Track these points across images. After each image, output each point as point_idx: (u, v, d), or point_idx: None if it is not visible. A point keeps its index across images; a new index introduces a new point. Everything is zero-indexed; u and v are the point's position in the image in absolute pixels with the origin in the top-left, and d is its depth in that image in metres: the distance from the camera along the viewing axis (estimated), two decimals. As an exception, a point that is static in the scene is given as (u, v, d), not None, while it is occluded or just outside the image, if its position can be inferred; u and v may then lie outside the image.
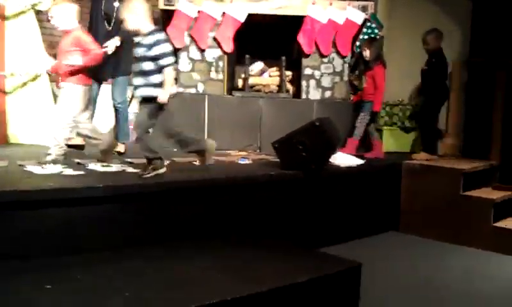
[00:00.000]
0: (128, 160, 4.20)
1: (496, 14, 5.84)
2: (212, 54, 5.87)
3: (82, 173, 3.54)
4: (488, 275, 3.98)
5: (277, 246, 3.47)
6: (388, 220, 5.03)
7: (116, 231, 3.14)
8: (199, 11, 5.75)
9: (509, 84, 5.50)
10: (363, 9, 5.98)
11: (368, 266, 3.26)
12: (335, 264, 3.12)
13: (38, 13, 5.50)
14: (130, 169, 3.78)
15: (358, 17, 5.96)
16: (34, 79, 5.41)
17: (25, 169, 3.58)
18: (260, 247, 3.38)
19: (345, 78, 6.06)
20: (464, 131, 5.94)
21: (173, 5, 5.71)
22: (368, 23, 5.98)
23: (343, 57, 6.02)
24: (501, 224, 4.56)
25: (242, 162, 4.71)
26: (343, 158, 4.82)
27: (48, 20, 5.75)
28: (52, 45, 6.17)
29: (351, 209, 4.67)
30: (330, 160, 4.63)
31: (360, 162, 4.93)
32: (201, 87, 5.89)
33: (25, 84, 5.38)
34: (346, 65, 6.05)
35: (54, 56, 5.89)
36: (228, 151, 5.41)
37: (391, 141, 5.92)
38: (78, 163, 3.94)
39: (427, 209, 4.88)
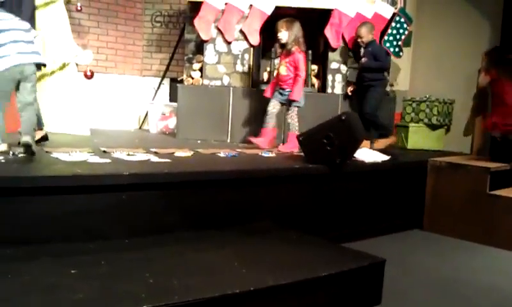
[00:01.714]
0: (153, 149, 4.23)
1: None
2: (239, 46, 5.87)
3: (107, 160, 3.58)
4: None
5: (301, 239, 3.45)
6: (412, 218, 4.96)
7: (140, 219, 3.17)
8: (226, 4, 5.75)
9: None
10: (392, 3, 5.89)
11: (391, 262, 3.22)
12: (359, 259, 3.09)
13: (67, 2, 5.58)
14: (155, 159, 3.80)
15: (387, 11, 5.88)
16: (62, 68, 5.49)
17: (51, 155, 3.64)
18: (283, 239, 3.37)
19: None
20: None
21: (200, -3, 5.73)
22: (397, 18, 5.89)
23: (371, 51, 5.93)
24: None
25: (265, 155, 4.69)
26: (368, 154, 4.76)
27: (77, 10, 5.86)
28: (80, 35, 6.28)
29: (375, 205, 4.62)
30: (355, 155, 4.59)
31: (385, 157, 4.87)
32: (226, 80, 5.90)
33: (53, 72, 5.47)
34: (373, 60, 5.97)
35: (83, 46, 6.00)
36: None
37: (417, 138, 5.84)
38: (104, 151, 3.99)
39: (453, 207, 4.79)
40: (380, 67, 5.42)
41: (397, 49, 5.96)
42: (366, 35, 5.42)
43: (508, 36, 5.81)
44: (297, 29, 4.83)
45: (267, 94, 5.08)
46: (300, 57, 4.83)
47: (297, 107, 4.94)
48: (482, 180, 4.68)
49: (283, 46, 4.89)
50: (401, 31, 5.87)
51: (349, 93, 5.70)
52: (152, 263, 2.69)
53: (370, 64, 5.39)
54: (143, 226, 3.17)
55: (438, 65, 6.04)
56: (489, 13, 5.93)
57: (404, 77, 6.63)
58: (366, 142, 5.03)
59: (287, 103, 4.95)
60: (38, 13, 5.37)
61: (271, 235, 3.44)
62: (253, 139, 4.99)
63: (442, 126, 5.86)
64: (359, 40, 5.48)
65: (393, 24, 5.89)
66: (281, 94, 4.98)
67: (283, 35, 4.82)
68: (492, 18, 5.91)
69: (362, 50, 5.59)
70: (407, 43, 6.19)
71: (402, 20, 5.88)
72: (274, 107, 5.00)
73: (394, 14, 5.89)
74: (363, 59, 5.43)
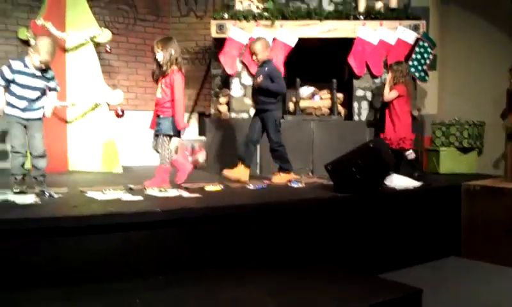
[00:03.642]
0: (185, 185, 4.28)
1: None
2: (263, 78, 5.93)
3: (140, 198, 3.63)
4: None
5: (332, 272, 3.41)
6: (448, 245, 4.84)
7: (174, 256, 3.19)
8: (250, 38, 5.85)
9: None
10: (415, 28, 5.89)
11: (429, 292, 3.15)
12: (394, 290, 3.04)
13: (97, 45, 5.77)
14: (186, 194, 3.84)
15: (410, 37, 5.88)
16: (93, 109, 5.65)
17: (86, 194, 3.72)
18: (315, 273, 3.33)
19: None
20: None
21: (224, 33, 5.84)
22: (421, 43, 5.88)
23: (395, 77, 5.92)
24: None
25: (294, 186, 4.69)
26: (398, 180, 4.70)
27: (107, 52, 6.05)
28: (110, 76, 6.46)
29: (409, 233, 4.53)
30: (385, 182, 4.54)
31: (417, 183, 4.79)
32: (253, 112, 5.95)
33: (84, 113, 5.63)
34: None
35: (113, 86, 6.17)
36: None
37: (448, 162, 5.74)
38: (130, 188, 4.04)
39: (491, 232, 4.65)
40: (279, 90, 4.79)
41: (422, 74, 5.93)
42: (261, 52, 4.74)
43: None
44: (173, 47, 4.24)
45: (151, 126, 4.46)
46: (176, 78, 4.22)
47: (168, 136, 4.28)
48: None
49: (161, 67, 4.29)
50: (425, 55, 5.86)
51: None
52: (185, 301, 2.69)
53: (268, 85, 4.71)
54: (177, 263, 3.19)
55: (466, 87, 5.98)
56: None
57: (432, 100, 6.58)
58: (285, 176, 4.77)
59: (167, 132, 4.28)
60: (68, 55, 5.58)
61: (302, 269, 3.41)
62: (146, 183, 4.21)
63: (474, 149, 5.75)
64: (253, 58, 4.82)
65: (417, 49, 5.88)
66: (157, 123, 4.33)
67: (159, 56, 4.24)
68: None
69: (257, 68, 4.93)
70: (432, 66, 6.17)
71: (426, 44, 5.87)
72: (161, 145, 4.30)
73: (418, 39, 5.88)
74: (259, 79, 4.74)
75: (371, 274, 3.73)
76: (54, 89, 3.91)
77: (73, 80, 5.59)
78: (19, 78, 3.67)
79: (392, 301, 2.88)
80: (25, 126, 3.77)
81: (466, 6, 6.30)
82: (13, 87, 3.68)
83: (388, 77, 5.38)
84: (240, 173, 4.75)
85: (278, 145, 4.79)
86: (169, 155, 4.30)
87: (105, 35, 5.77)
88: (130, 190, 3.96)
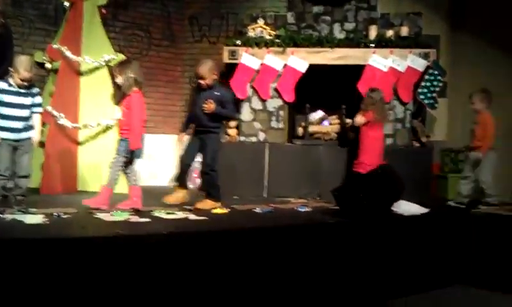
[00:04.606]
0: (188, 207, 4.31)
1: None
2: (273, 103, 6.02)
3: (148, 220, 3.68)
4: None
5: (335, 302, 3.40)
6: (455, 272, 4.79)
7: (183, 279, 3.21)
8: (261, 64, 5.94)
9: None
10: (425, 56, 5.93)
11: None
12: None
13: (111, 69, 5.89)
14: (193, 216, 3.88)
15: (420, 64, 5.91)
16: (105, 131, 5.74)
17: (94, 216, 3.78)
18: (319, 302, 3.33)
19: (407, 125, 5.97)
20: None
21: (236, 59, 5.94)
22: (431, 70, 5.92)
23: (405, 104, 5.96)
24: None
25: (301, 210, 4.71)
26: (406, 206, 4.69)
27: (120, 74, 6.14)
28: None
29: (415, 260, 4.50)
30: (393, 208, 4.54)
31: (424, 210, 4.77)
32: (262, 136, 6.02)
33: (97, 135, 5.72)
34: (408, 112, 5.98)
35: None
36: (288, 199, 5.45)
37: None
38: (137, 210, 4.06)
39: (497, 260, 4.61)
40: (231, 116, 4.76)
41: (431, 101, 5.96)
42: (209, 75, 4.50)
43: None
44: (131, 70, 4.25)
45: None
46: (133, 98, 4.20)
47: (126, 157, 4.23)
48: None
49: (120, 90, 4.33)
50: (435, 83, 5.89)
51: (180, 141, 4.77)
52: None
53: (221, 112, 4.52)
54: (183, 286, 3.21)
55: (475, 115, 5.99)
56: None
57: (441, 127, 6.58)
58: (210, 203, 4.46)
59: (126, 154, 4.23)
60: (82, 78, 5.70)
61: (305, 297, 3.41)
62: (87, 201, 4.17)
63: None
64: (201, 82, 4.53)
65: (426, 77, 5.91)
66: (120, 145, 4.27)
67: (119, 80, 4.32)
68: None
69: (203, 93, 4.58)
70: (442, 94, 6.19)
71: (436, 72, 5.91)
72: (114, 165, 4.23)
73: (428, 67, 5.92)
74: (211, 105, 4.44)
75: (373, 302, 3.71)
76: (39, 106, 4.08)
77: (86, 103, 5.69)
78: (5, 98, 3.86)
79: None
80: (14, 148, 3.90)
81: (477, 34, 6.33)
82: (1, 109, 3.84)
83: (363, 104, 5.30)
84: (178, 196, 4.51)
85: (211, 169, 4.55)
86: (135, 176, 4.28)
87: (119, 60, 5.89)
88: (138, 212, 4.00)
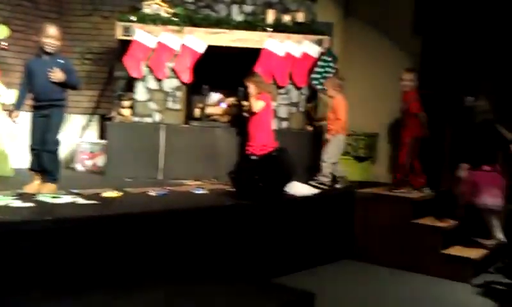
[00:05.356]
0: (75, 190, 4.10)
1: (443, 49, 6.15)
2: (170, 84, 5.89)
3: (31, 204, 3.45)
4: (438, 301, 4.09)
5: (231, 278, 3.45)
6: (342, 249, 5.09)
7: (67, 267, 3.06)
8: (157, 42, 5.77)
9: (457, 115, 5.75)
10: (319, 43, 6.13)
11: (321, 295, 3.30)
12: (288, 295, 3.14)
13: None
14: (81, 200, 3.70)
15: (314, 51, 6.11)
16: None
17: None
18: (213, 280, 3.35)
19: (302, 109, 6.17)
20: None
21: (130, 36, 5.72)
22: (324, 57, 6.14)
23: (299, 88, 6.14)
24: (449, 251, 4.70)
25: (197, 192, 4.70)
26: (298, 188, 4.88)
27: (2, 48, 5.69)
28: (6, 74, 6.07)
29: (306, 238, 4.71)
30: (286, 189, 4.69)
31: (315, 191, 5.01)
32: (158, 117, 5.88)
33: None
34: (303, 96, 6.17)
35: (7, 85, 5.80)
36: (184, 181, 5.40)
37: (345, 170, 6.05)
38: (20, 194, 3.80)
39: (379, 237, 4.99)
40: (78, 86, 4.35)
41: (324, 87, 6.20)
42: (58, 38, 4.14)
43: (427, 74, 6.23)
44: None
45: None
46: None
47: None
48: (405, 209, 4.92)
49: None
50: (328, 69, 6.13)
51: (14, 121, 4.24)
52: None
53: (70, 81, 4.17)
54: (66, 275, 3.06)
55: (363, 100, 6.34)
56: (409, 54, 6.34)
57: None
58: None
59: None
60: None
61: (200, 277, 3.41)
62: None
63: (368, 158, 6.12)
64: (52, 44, 4.10)
65: (320, 63, 6.13)
66: None
67: None
68: (412, 59, 6.32)
69: (45, 57, 4.14)
70: (333, 80, 6.46)
71: (329, 59, 6.15)
72: None
73: (321, 53, 6.14)
74: (59, 74, 4.06)
75: (269, 278, 3.83)
76: None
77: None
78: None
79: (285, 305, 2.97)
80: None
81: (367, 22, 6.68)
82: None
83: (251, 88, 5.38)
84: (34, 185, 4.11)
85: (55, 147, 4.15)
86: None
87: (1, 31, 5.43)
88: (20, 196, 3.73)
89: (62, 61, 4.19)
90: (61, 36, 4.20)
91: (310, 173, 5.48)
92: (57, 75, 4.06)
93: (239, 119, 5.92)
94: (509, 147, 4.76)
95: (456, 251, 4.73)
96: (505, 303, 3.99)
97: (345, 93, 5.79)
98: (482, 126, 4.84)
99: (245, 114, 5.65)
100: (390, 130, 6.23)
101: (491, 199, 4.67)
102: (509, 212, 5.10)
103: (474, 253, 4.66)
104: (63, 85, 4.15)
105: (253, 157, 5.03)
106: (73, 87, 4.30)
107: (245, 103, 5.83)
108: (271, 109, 5.44)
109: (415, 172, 5.28)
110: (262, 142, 5.20)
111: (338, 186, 5.38)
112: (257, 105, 5.27)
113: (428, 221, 4.91)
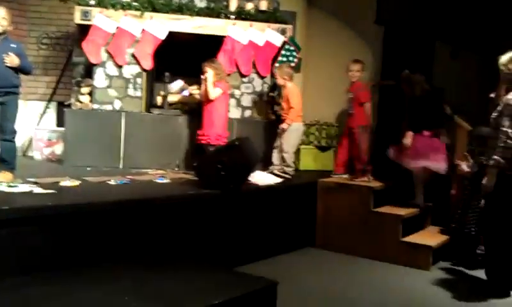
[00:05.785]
0: (32, 179, 3.97)
1: (405, 39, 6.26)
2: (130, 70, 5.75)
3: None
4: (398, 287, 4.18)
5: (194, 267, 3.42)
6: (305, 237, 5.14)
7: (22, 257, 2.95)
8: (117, 27, 5.62)
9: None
10: (282, 32, 6.12)
11: (284, 283, 3.31)
12: (251, 283, 3.13)
13: None
14: (38, 189, 3.58)
15: (277, 39, 6.09)
16: None
17: None
18: (176, 269, 3.32)
19: (265, 98, 6.16)
20: (375, 148, 5.98)
21: (89, 20, 5.54)
22: (287, 46, 6.14)
23: (262, 77, 6.12)
24: (409, 239, 4.81)
25: (160, 181, 4.62)
26: (261, 177, 4.88)
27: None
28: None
29: (269, 226, 4.73)
30: (249, 178, 4.68)
31: (278, 180, 5.02)
32: (118, 104, 5.74)
33: None
34: (266, 85, 6.16)
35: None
36: (146, 170, 5.31)
37: (308, 160, 6.09)
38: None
39: (341, 225, 5.05)
40: (31, 70, 4.27)
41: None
42: (7, 20, 4.03)
43: (388, 65, 6.33)
44: None
45: None
46: None
47: None
48: (366, 198, 4.99)
49: None
50: (291, 58, 6.12)
51: None
52: (36, 303, 2.51)
53: (25, 66, 4.12)
54: (24, 264, 2.96)
55: (325, 90, 6.38)
56: (371, 44, 6.41)
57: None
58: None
59: None
60: None
61: (164, 266, 3.38)
62: None
63: (330, 148, 6.18)
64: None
65: (283, 52, 6.12)
66: None
67: None
68: (374, 49, 6.40)
69: None
70: (297, 69, 6.47)
71: (292, 48, 6.14)
72: None
73: (284, 42, 6.13)
74: (12, 58, 3.96)
75: (232, 267, 3.81)
76: None
77: None
78: None
79: (249, 294, 2.97)
80: None
81: (330, 12, 6.71)
82: None
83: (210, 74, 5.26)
84: (8, 176, 3.94)
85: (13, 136, 4.06)
86: None
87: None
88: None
89: (14, 45, 4.07)
90: (11, 17, 4.10)
91: (272, 163, 5.48)
92: (13, 61, 3.95)
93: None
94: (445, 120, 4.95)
95: (415, 238, 4.84)
96: (461, 290, 4.11)
97: (307, 83, 5.82)
98: (423, 96, 4.97)
99: (198, 97, 5.56)
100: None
101: (432, 163, 4.81)
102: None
103: (433, 241, 4.78)
104: (17, 70, 4.04)
105: (210, 147, 4.97)
106: (27, 72, 4.19)
107: (201, 88, 5.70)
108: (227, 97, 5.39)
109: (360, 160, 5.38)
110: (216, 131, 5.12)
111: (287, 176, 5.35)
112: (214, 92, 5.18)
113: (388, 209, 5.00)
